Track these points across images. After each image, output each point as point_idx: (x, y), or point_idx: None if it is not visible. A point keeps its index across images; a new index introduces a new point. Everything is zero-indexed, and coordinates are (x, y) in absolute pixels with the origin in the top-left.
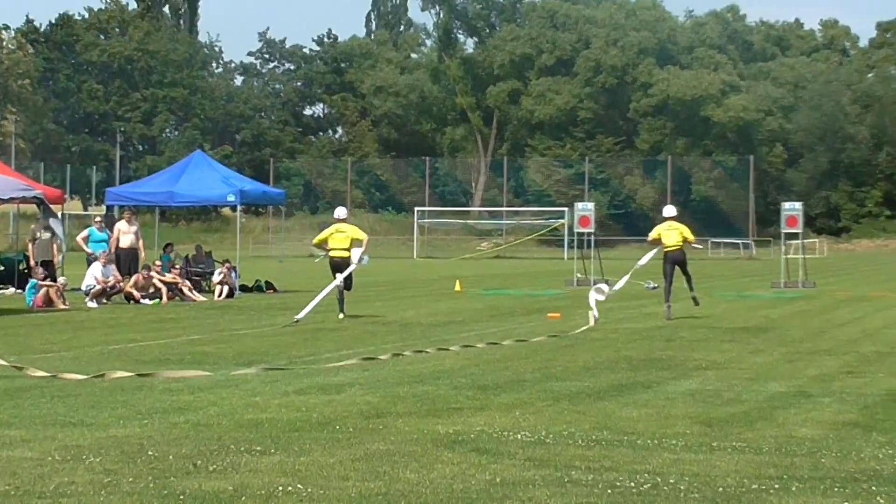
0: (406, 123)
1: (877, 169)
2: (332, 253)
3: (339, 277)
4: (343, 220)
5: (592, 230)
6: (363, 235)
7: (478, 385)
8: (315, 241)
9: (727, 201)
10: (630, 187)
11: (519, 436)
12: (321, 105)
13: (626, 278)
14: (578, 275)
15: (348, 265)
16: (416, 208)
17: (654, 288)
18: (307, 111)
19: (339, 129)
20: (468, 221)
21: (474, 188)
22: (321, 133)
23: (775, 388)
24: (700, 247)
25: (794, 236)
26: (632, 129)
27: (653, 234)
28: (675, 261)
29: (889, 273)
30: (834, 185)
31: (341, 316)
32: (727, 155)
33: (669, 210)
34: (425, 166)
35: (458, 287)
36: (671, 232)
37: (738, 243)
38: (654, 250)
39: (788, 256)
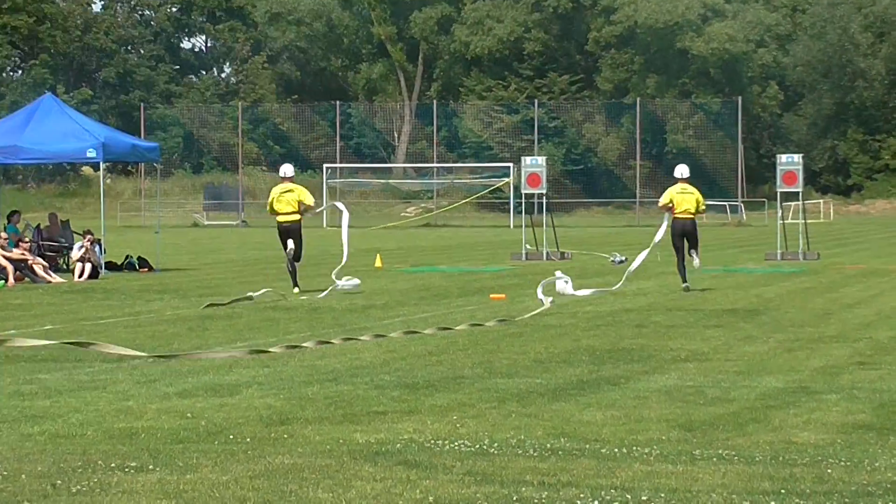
0: (311, 60)
1: (894, 112)
2: (279, 218)
3: (290, 248)
4: (289, 179)
5: (544, 191)
6: (310, 199)
7: (405, 383)
8: (268, 209)
9: (710, 154)
10: (590, 137)
11: (456, 445)
12: (203, 37)
13: (644, 255)
14: (528, 246)
15: (298, 231)
16: (324, 165)
17: (622, 261)
18: (185, 44)
19: (227, 68)
20: (390, 181)
21: (397, 140)
22: (203, 72)
23: (770, 384)
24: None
25: (792, 196)
26: (591, 66)
27: (664, 199)
28: (686, 231)
29: None
30: (842, 133)
31: (296, 290)
32: (709, 97)
33: (682, 170)
34: (335, 113)
35: (378, 263)
36: (685, 196)
37: (723, 205)
38: (667, 220)
39: (786, 221)
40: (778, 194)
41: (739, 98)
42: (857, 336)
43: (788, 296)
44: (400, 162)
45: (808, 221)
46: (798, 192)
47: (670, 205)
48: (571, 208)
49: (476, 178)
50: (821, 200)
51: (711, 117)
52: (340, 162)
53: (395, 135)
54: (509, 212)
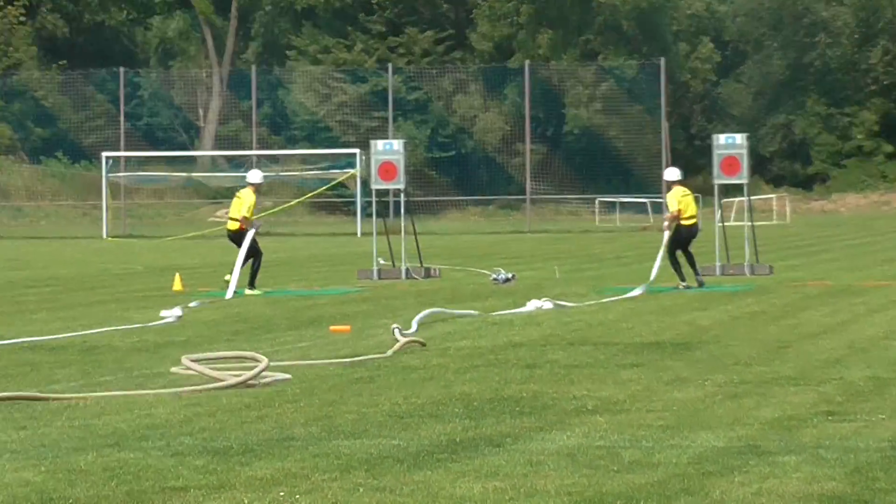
0: (83, 12)
1: (868, 77)
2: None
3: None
4: (252, 185)
5: (402, 186)
6: (241, 210)
7: (213, 448)
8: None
9: (624, 135)
10: (463, 114)
11: None
12: None
13: (656, 269)
14: (380, 261)
15: (240, 237)
16: (103, 154)
17: (508, 280)
18: None
19: None
20: (193, 175)
21: (203, 119)
22: None
23: (708, 442)
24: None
25: (735, 190)
26: (464, 19)
27: (672, 206)
28: (692, 238)
29: (892, 248)
30: (798, 104)
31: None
32: (622, 59)
33: (674, 173)
34: (118, 83)
35: (177, 284)
36: (690, 200)
37: (642, 203)
38: (669, 230)
39: (727, 224)
40: (715, 187)
41: (662, 60)
42: (823, 377)
43: (731, 323)
44: (207, 149)
45: (757, 224)
46: (742, 185)
47: (679, 212)
48: (440, 209)
49: (310, 170)
50: (773, 196)
51: (625, 86)
52: (126, 149)
53: (201, 112)
54: (356, 215)
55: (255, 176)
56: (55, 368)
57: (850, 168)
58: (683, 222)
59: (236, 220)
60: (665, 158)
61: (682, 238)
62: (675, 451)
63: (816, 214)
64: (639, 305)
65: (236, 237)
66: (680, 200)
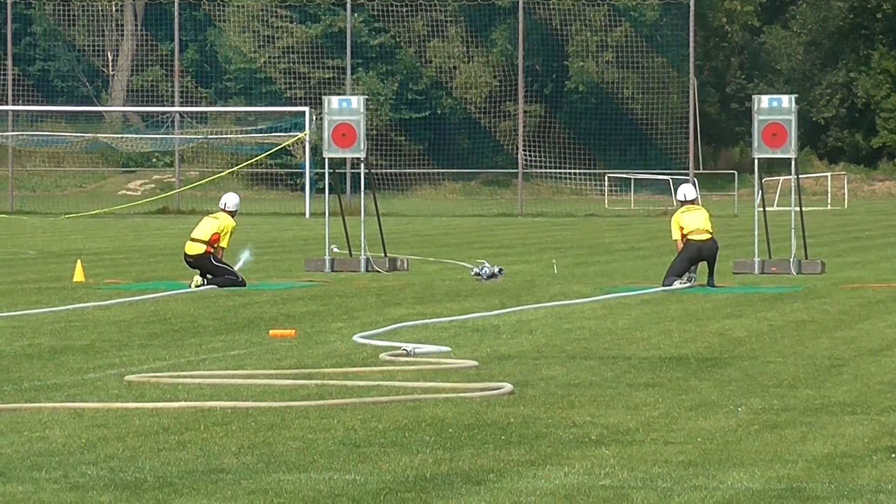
0: None
1: None
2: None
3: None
4: (226, 212)
5: (362, 155)
6: (211, 232)
7: (122, 481)
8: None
9: (642, 95)
10: (440, 64)
11: None
12: None
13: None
14: (335, 248)
15: (204, 265)
16: None
17: (494, 276)
18: None
19: None
20: (100, 136)
21: (111, 66)
22: None
23: (741, 484)
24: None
25: (779, 167)
26: None
27: (674, 231)
28: (704, 255)
29: None
30: (862, 59)
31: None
32: None
33: (687, 191)
34: (5, 17)
35: (78, 274)
36: (694, 213)
37: (663, 180)
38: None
39: (769, 209)
40: (755, 163)
41: (691, 1)
42: (885, 404)
43: (772, 335)
44: (118, 104)
45: (807, 209)
46: (790, 160)
47: (682, 232)
48: (409, 184)
49: (247, 133)
50: (828, 174)
51: (644, 32)
52: (14, 102)
53: (109, 56)
54: (304, 190)
55: (232, 200)
56: None
57: None
58: (691, 238)
59: (202, 242)
60: (693, 126)
61: (692, 254)
62: (700, 494)
63: (882, 198)
64: (656, 310)
65: (198, 263)
66: (680, 218)
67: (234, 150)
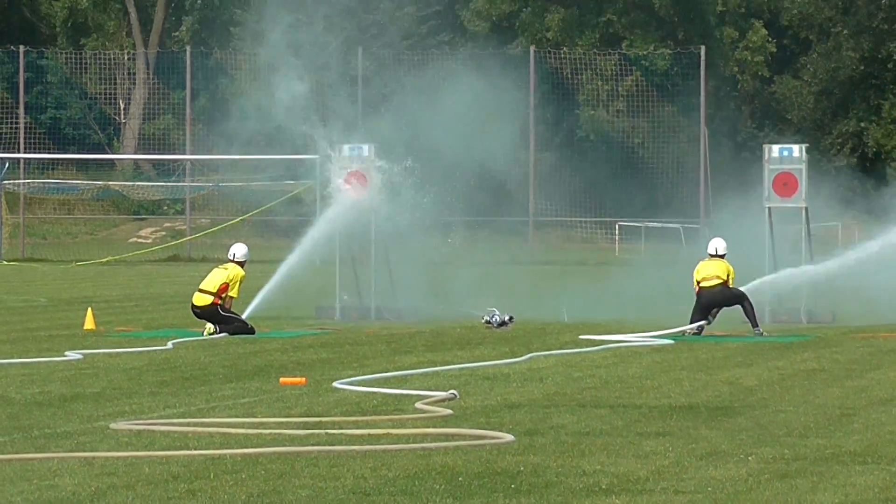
0: None
1: None
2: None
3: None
4: (235, 262)
5: (374, 202)
6: (219, 282)
7: None
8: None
9: (652, 143)
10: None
11: None
12: None
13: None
14: (345, 296)
15: (213, 316)
16: None
17: (504, 324)
18: None
19: None
20: (111, 184)
21: (123, 114)
22: None
23: None
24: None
25: (789, 216)
26: None
27: (694, 280)
28: (715, 302)
29: None
30: (872, 108)
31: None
32: (652, 45)
33: (718, 244)
34: (16, 65)
35: (89, 322)
36: (712, 262)
37: (675, 228)
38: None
39: (779, 258)
40: (766, 212)
41: (702, 49)
42: None
43: (782, 383)
44: (129, 152)
45: (818, 258)
46: (801, 208)
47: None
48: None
49: (258, 181)
50: (839, 224)
51: (655, 80)
52: (26, 150)
53: (121, 104)
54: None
55: (241, 250)
56: None
57: None
58: (702, 286)
59: (210, 293)
60: (703, 174)
61: (702, 303)
62: None
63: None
64: (667, 358)
65: (206, 314)
66: (697, 268)
67: (245, 197)
